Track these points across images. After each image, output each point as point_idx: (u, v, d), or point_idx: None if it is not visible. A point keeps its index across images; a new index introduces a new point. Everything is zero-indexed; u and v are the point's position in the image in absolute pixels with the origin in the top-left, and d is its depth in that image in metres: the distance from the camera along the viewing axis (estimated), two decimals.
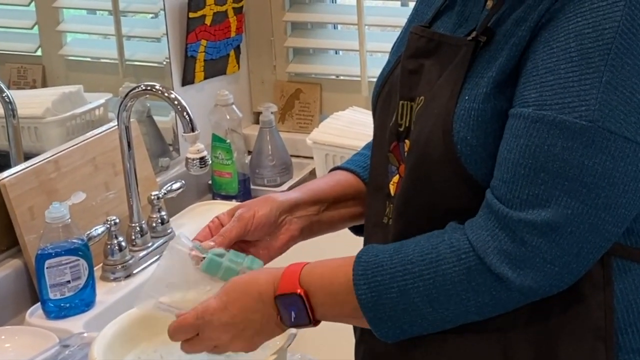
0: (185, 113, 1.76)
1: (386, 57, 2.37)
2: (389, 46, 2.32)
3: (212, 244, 1.32)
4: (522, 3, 1.18)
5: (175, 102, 1.78)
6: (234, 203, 2.16)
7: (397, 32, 2.44)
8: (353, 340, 1.38)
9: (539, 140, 1.10)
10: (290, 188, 2.25)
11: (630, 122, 1.10)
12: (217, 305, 1.24)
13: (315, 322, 1.23)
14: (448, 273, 1.14)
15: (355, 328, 1.37)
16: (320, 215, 1.42)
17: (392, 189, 1.30)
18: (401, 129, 1.28)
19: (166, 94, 1.80)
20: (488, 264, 1.12)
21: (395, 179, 1.29)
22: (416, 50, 1.28)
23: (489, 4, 1.24)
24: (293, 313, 1.21)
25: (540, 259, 1.11)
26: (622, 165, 1.10)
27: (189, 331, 1.26)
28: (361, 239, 1.39)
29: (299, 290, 1.20)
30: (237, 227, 1.35)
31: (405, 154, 1.26)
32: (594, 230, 1.11)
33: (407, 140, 1.26)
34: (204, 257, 1.29)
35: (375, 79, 2.32)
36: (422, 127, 1.21)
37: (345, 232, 1.49)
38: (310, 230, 1.42)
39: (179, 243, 1.30)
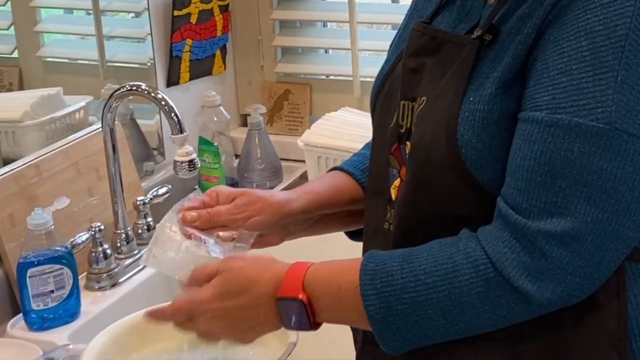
0: (173, 114, 1.74)
1: (377, 55, 2.34)
2: (380, 44, 2.34)
3: (194, 214, 1.31)
4: None
5: (163, 103, 1.76)
6: None
7: (388, 30, 2.44)
8: (353, 352, 1.34)
9: (555, 145, 1.07)
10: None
11: None
12: (212, 296, 1.21)
13: (316, 326, 1.20)
14: (465, 285, 1.10)
15: (356, 340, 1.34)
16: (312, 226, 1.41)
17: (393, 193, 1.26)
18: (402, 131, 1.25)
19: (153, 94, 1.78)
20: (507, 276, 1.09)
21: (397, 182, 1.26)
22: (418, 48, 1.25)
23: None
24: (294, 317, 1.18)
25: (560, 270, 1.08)
26: None
27: (183, 316, 1.24)
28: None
29: (300, 296, 1.17)
30: (225, 220, 1.32)
31: (407, 156, 1.22)
32: (615, 238, 1.08)
33: (408, 142, 1.23)
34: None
35: (366, 79, 2.33)
36: (424, 129, 1.18)
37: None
38: (293, 237, 1.41)
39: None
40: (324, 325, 1.21)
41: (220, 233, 1.33)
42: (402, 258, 1.14)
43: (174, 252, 1.27)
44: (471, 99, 1.14)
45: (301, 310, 1.17)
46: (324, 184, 1.42)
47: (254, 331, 1.23)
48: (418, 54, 1.24)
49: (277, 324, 1.20)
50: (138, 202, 1.94)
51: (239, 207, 1.34)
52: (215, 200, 1.35)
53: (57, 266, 1.69)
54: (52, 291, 1.69)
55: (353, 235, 1.46)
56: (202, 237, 1.30)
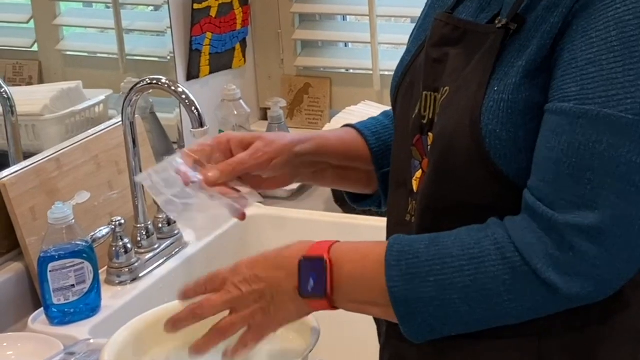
0: (193, 108, 1.73)
1: (397, 49, 2.33)
2: (400, 38, 2.34)
3: (217, 173, 1.28)
4: None
5: (183, 96, 1.75)
6: None
7: (407, 23, 2.43)
8: (377, 345, 1.33)
9: (583, 137, 1.06)
10: (300, 187, 2.23)
11: None
12: (247, 261, 1.21)
13: (330, 301, 1.17)
14: (491, 271, 1.09)
15: (379, 332, 1.33)
16: (317, 174, 1.41)
17: (415, 184, 1.25)
18: (424, 121, 1.23)
19: (173, 88, 1.77)
20: (534, 267, 1.07)
21: (419, 174, 1.24)
22: (441, 38, 1.23)
23: None
24: (312, 280, 1.16)
25: (589, 265, 1.06)
26: None
27: (216, 282, 1.22)
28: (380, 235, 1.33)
29: (325, 255, 1.16)
30: (251, 166, 1.30)
31: (429, 147, 1.21)
32: None
33: (430, 134, 1.22)
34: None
35: (386, 72, 2.32)
36: (448, 119, 1.17)
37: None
38: (300, 180, 1.43)
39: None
40: (348, 317, 1.20)
41: (217, 189, 1.30)
42: (429, 241, 1.13)
43: (175, 189, 1.28)
44: (495, 88, 1.12)
45: (321, 270, 1.16)
46: (335, 134, 1.42)
47: (276, 304, 1.19)
48: (441, 44, 1.23)
49: (295, 296, 1.17)
50: None
51: (260, 149, 1.32)
52: (227, 147, 1.33)
53: (78, 260, 1.68)
54: (72, 285, 1.68)
55: (354, 201, 1.47)
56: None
